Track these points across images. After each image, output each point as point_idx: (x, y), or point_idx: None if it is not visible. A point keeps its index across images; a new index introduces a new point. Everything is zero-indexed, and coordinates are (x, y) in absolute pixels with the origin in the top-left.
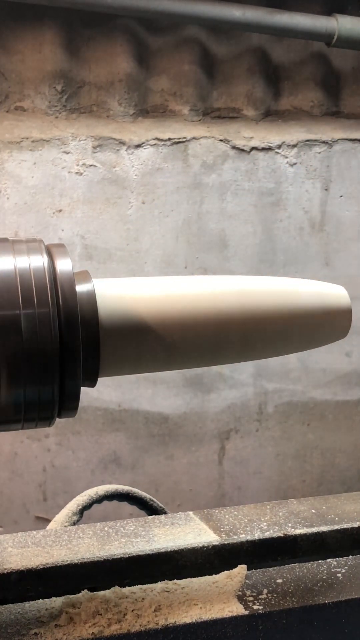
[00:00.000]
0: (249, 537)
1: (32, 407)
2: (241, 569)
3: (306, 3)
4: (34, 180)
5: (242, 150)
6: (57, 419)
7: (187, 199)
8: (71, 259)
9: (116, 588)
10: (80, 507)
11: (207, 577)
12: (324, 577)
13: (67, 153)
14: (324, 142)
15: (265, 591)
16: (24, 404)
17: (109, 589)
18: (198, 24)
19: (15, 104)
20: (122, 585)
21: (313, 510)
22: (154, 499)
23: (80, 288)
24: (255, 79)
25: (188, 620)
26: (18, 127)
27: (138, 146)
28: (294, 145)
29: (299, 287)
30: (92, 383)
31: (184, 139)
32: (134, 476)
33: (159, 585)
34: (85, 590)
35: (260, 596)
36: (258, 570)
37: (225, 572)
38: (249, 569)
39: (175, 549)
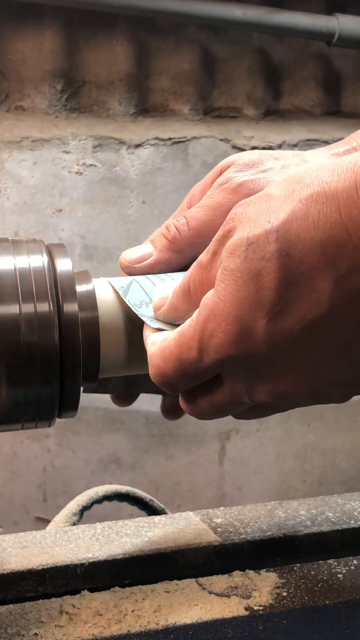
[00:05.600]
0: (249, 537)
1: (32, 407)
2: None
3: (307, 2)
4: (34, 180)
5: (243, 149)
6: (57, 419)
7: None
8: (71, 258)
9: (116, 588)
10: (80, 507)
11: (208, 577)
12: (325, 577)
13: (67, 153)
14: (325, 142)
15: (265, 592)
16: (24, 404)
17: (109, 589)
18: (198, 23)
19: (15, 104)
20: (122, 586)
21: (313, 511)
22: (154, 499)
23: (80, 288)
24: (256, 78)
25: (188, 620)
26: (18, 127)
27: (138, 146)
28: (295, 145)
29: None
30: (92, 383)
31: (185, 139)
32: (134, 476)
33: (159, 586)
34: (85, 590)
35: (260, 597)
36: (258, 570)
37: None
38: (249, 569)
39: (175, 549)
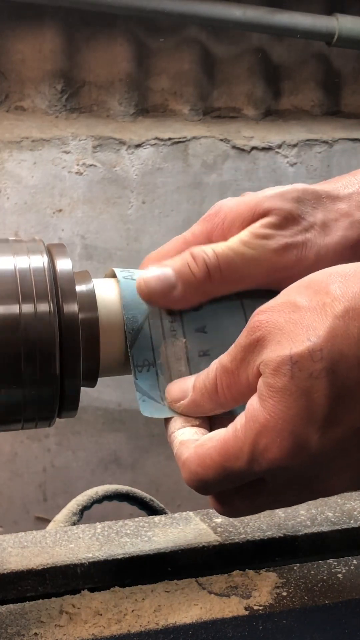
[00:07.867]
0: (249, 537)
1: (32, 407)
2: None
3: (307, 2)
4: (34, 180)
5: (243, 150)
6: (57, 419)
7: (187, 199)
8: (71, 258)
9: (116, 588)
10: (80, 507)
11: (208, 577)
12: (325, 577)
13: (67, 153)
14: (325, 142)
15: (265, 591)
16: (24, 404)
17: (109, 589)
18: (198, 23)
19: (15, 104)
20: (122, 585)
21: (313, 510)
22: (154, 499)
23: (80, 288)
24: (256, 78)
25: (188, 620)
26: (18, 127)
27: (138, 146)
28: (295, 145)
29: None
30: (92, 383)
31: (184, 139)
32: (134, 476)
33: (159, 586)
34: (85, 590)
35: (260, 597)
36: (258, 570)
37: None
38: (249, 569)
39: (175, 549)
